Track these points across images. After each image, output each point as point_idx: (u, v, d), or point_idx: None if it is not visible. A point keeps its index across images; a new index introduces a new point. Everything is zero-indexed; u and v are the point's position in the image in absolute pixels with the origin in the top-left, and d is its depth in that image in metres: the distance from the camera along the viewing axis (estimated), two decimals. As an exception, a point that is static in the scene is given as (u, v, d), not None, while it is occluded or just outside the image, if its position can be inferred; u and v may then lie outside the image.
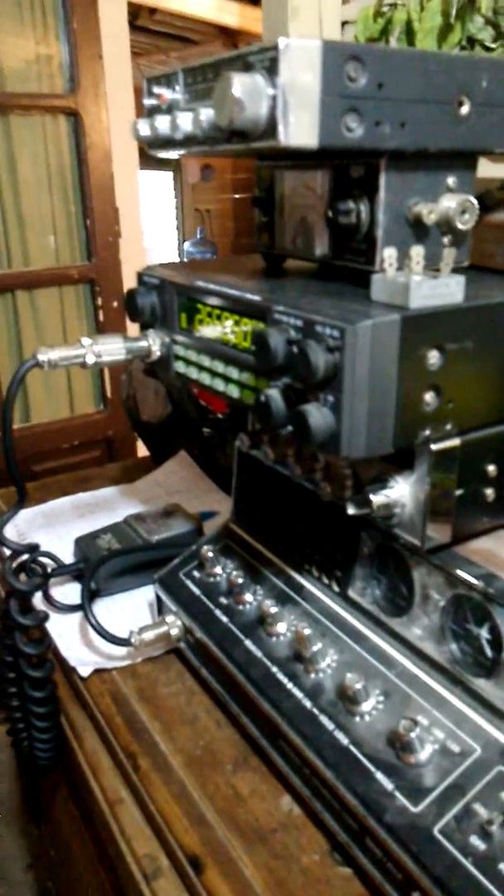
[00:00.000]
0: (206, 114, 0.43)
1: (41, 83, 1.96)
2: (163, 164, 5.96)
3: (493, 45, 0.79)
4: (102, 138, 2.06)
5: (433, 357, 0.43)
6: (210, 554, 0.67)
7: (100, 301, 2.18)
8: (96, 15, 1.97)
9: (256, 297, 0.47)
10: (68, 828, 0.86)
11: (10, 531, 0.89)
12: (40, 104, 1.96)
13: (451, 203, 0.48)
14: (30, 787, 0.76)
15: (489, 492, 0.50)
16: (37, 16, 1.91)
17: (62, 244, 2.11)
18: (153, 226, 6.04)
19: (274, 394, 0.45)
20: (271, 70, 0.39)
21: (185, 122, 0.46)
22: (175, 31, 3.43)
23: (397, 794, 0.45)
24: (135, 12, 3.06)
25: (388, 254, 0.44)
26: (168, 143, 0.50)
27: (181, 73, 0.49)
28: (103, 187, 2.12)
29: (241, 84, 0.39)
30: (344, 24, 1.33)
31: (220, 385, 0.54)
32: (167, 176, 6.13)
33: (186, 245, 6.04)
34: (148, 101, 0.52)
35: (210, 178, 6.04)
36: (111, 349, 0.57)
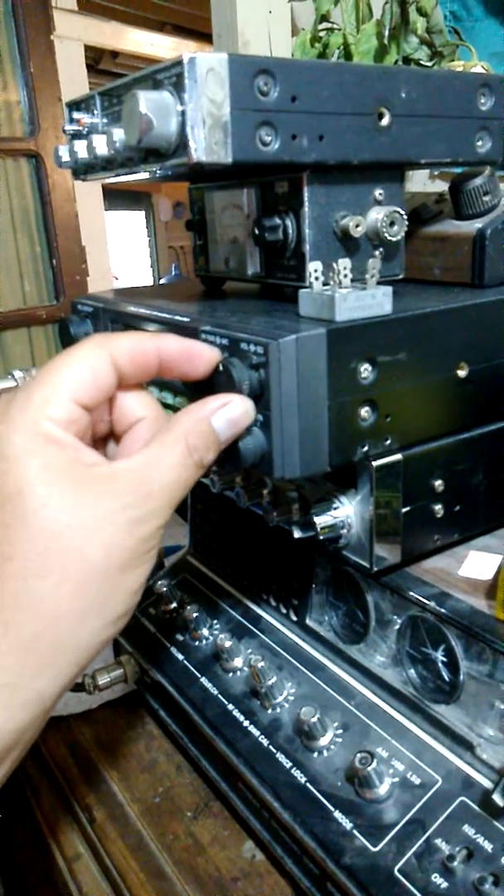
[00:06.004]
0: (119, 134, 0.42)
1: (1, 128, 1.97)
2: (134, 204, 6.02)
3: (429, 64, 0.80)
4: (65, 179, 2.07)
5: (365, 370, 0.42)
6: (164, 589, 0.65)
7: (69, 340, 2.17)
8: (53, 58, 1.99)
9: (185, 319, 0.46)
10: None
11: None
12: (0, 147, 1.97)
13: (378, 215, 0.47)
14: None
15: (437, 508, 0.48)
16: (-7, 61, 1.93)
17: (29, 285, 2.11)
18: (127, 264, 6.08)
19: (203, 417, 0.43)
20: (178, 86, 0.38)
21: (101, 144, 0.45)
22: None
23: (356, 833, 0.42)
24: (97, 57, 3.10)
25: (314, 268, 0.42)
26: (90, 168, 0.49)
27: (98, 97, 0.48)
28: (68, 226, 2.12)
29: (146, 101, 0.38)
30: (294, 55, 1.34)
31: (157, 412, 0.52)
32: (139, 215, 6.18)
33: (162, 282, 6.09)
34: (69, 127, 0.50)
35: (183, 215, 6.10)
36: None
